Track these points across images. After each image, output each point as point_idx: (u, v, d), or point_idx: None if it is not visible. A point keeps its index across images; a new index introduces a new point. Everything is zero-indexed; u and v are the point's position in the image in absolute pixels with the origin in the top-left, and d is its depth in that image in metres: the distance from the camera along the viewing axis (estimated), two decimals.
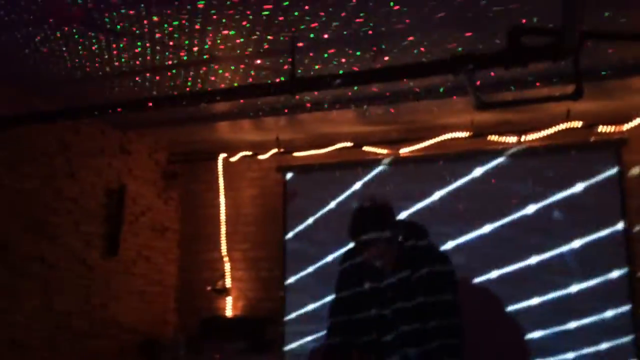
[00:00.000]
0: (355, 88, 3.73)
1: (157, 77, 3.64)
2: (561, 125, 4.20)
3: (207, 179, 5.24)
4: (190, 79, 3.66)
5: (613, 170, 4.18)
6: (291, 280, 4.82)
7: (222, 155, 5.17)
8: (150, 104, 3.30)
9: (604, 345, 3.95)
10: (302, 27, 2.95)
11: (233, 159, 5.12)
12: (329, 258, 4.55)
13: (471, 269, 4.26)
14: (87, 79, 3.67)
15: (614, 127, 4.18)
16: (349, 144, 4.75)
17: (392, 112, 4.25)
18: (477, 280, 4.26)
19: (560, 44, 2.86)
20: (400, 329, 2.39)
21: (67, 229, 4.19)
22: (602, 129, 4.20)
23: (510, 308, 4.17)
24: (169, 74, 3.59)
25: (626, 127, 4.16)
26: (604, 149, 4.24)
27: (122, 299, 4.58)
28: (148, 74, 3.60)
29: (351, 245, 2.58)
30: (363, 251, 2.46)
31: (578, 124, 4.17)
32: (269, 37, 3.08)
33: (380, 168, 4.68)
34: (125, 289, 4.62)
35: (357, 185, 4.71)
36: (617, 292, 4.01)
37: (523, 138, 4.35)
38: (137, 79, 3.67)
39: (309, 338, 4.56)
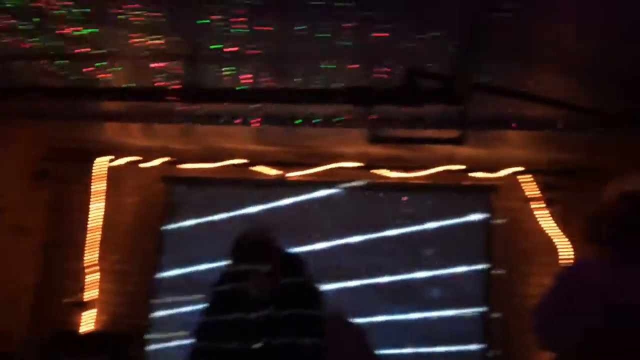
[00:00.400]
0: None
1: (43, 62, 3.34)
2: (443, 167, 4.47)
3: (85, 180, 4.85)
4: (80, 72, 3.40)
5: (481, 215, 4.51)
6: (161, 297, 4.59)
7: (104, 158, 4.84)
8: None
9: None
10: (205, 36, 2.88)
11: (116, 163, 4.82)
12: (203, 278, 4.40)
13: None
14: None
15: (487, 174, 4.53)
16: (241, 161, 4.68)
17: (288, 134, 4.26)
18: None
19: (453, 90, 3.08)
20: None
21: None
22: (477, 174, 4.53)
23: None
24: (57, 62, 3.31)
25: (498, 174, 4.51)
26: (476, 193, 4.55)
27: None
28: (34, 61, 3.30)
29: (227, 270, 2.53)
30: (240, 279, 2.41)
31: (459, 167, 4.46)
32: (170, 41, 2.96)
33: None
34: None
35: (245, 206, 4.63)
36: (471, 330, 4.27)
37: (409, 175, 4.57)
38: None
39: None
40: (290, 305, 2.40)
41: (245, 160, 4.67)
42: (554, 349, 2.22)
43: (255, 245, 2.44)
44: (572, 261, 4.22)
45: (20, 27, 2.86)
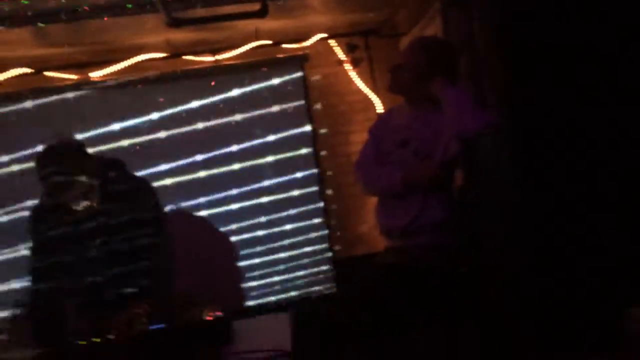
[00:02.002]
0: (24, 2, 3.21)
1: None
2: (251, 44, 4.38)
3: None
4: None
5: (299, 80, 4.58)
6: None
7: None
8: None
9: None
10: None
11: None
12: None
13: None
14: None
15: (297, 44, 4.55)
16: (27, 70, 4.14)
17: (76, 31, 3.82)
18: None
19: None
20: (112, 269, 2.30)
21: None
22: (287, 46, 4.53)
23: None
24: None
25: (306, 44, 4.56)
26: (289, 65, 4.58)
27: None
28: None
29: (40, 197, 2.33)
30: (60, 195, 2.23)
31: (266, 42, 4.41)
32: None
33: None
34: None
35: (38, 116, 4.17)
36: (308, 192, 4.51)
37: (217, 57, 4.42)
38: None
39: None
40: (123, 201, 2.31)
41: (30, 70, 4.14)
42: (377, 194, 2.45)
43: (65, 154, 2.24)
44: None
45: None
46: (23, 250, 3.69)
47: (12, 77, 4.12)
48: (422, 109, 2.34)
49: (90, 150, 2.49)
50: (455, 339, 2.15)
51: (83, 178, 2.22)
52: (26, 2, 3.18)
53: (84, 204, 2.27)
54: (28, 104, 4.22)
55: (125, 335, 1.90)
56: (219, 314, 1.98)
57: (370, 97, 4.64)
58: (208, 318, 1.96)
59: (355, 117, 4.71)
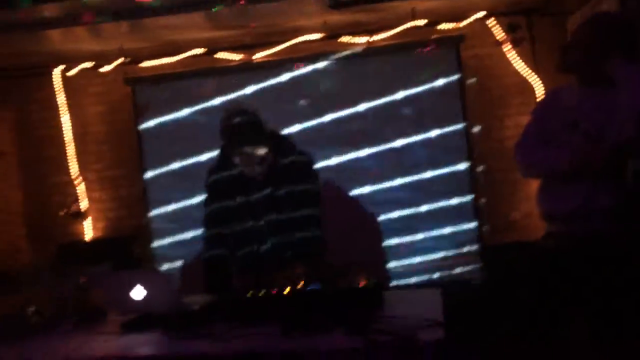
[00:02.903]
0: None
1: None
2: (406, 24, 4.37)
3: (42, 96, 4.73)
4: None
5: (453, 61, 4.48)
6: (154, 195, 4.65)
7: (57, 69, 4.67)
8: None
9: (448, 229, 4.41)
10: None
11: (71, 73, 4.66)
12: (190, 166, 4.48)
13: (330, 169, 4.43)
14: None
15: (453, 24, 4.45)
16: (200, 51, 4.54)
17: (243, 15, 4.09)
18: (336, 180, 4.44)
19: None
20: (276, 239, 2.46)
21: None
22: (443, 26, 4.45)
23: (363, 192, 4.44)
24: None
25: (463, 24, 4.44)
26: (444, 46, 4.49)
27: None
28: None
29: (217, 158, 2.55)
30: (236, 161, 2.42)
31: (421, 22, 4.37)
32: None
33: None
34: None
35: (214, 94, 4.55)
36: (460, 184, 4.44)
37: (372, 38, 4.47)
38: None
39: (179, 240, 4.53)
40: (289, 179, 2.45)
41: (203, 50, 4.52)
42: (539, 177, 2.34)
43: (246, 124, 2.43)
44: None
45: None
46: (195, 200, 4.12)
47: (186, 57, 4.54)
48: (595, 89, 2.18)
49: None
50: (619, 335, 2.01)
51: (261, 149, 2.39)
52: None
53: (257, 171, 2.44)
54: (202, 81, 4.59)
55: (286, 290, 2.02)
56: (371, 281, 2.04)
57: (529, 79, 4.40)
58: (360, 284, 2.02)
59: (512, 100, 4.51)
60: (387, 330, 1.64)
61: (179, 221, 4.51)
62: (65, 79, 4.70)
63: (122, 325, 2.02)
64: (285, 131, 4.23)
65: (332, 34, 4.44)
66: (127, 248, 4.49)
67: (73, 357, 1.76)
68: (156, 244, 4.64)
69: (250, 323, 1.87)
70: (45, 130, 4.77)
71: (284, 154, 2.48)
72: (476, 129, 4.50)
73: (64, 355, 1.79)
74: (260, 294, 2.02)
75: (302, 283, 2.07)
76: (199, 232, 2.67)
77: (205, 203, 2.58)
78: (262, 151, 2.39)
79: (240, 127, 2.38)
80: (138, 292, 2.00)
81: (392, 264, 4.44)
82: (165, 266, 4.57)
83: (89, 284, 2.28)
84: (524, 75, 4.41)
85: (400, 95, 4.48)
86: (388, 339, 1.59)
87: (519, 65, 4.42)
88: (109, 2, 3.58)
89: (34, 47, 4.33)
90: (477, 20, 4.42)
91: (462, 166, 4.46)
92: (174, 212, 4.59)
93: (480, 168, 4.48)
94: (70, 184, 4.73)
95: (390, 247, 4.44)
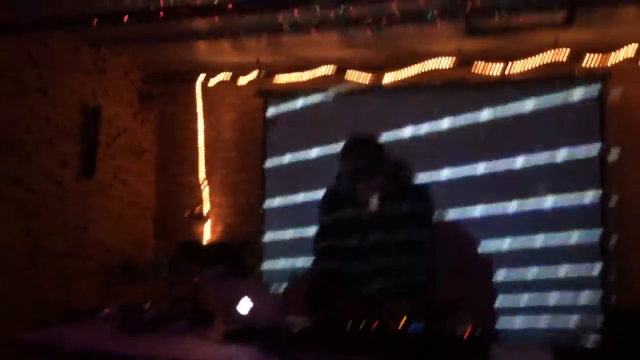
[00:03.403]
0: (341, 10, 3.57)
1: None
2: (547, 54, 4.13)
3: (185, 101, 5.11)
4: None
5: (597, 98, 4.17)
6: (270, 205, 4.82)
7: (200, 77, 5.02)
8: (126, 18, 3.12)
9: (566, 268, 4.09)
10: None
11: (212, 82, 4.98)
12: (308, 184, 4.55)
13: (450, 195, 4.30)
14: None
15: (599, 57, 4.13)
16: (331, 68, 4.63)
17: (377, 37, 4.10)
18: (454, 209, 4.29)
19: None
20: (378, 262, 2.43)
21: (41, 148, 4.05)
22: (587, 58, 4.15)
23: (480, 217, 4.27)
24: None
25: (612, 58, 4.11)
26: (587, 80, 4.19)
27: (100, 220, 4.55)
28: None
29: (335, 182, 2.57)
30: (352, 182, 2.43)
31: (565, 52, 4.11)
32: None
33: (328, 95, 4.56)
34: (102, 211, 4.59)
35: (339, 113, 4.61)
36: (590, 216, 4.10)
37: (509, 67, 4.29)
38: None
39: (287, 262, 4.63)
40: (402, 203, 2.41)
41: (334, 67, 4.61)
42: None
43: (365, 147, 2.44)
44: None
45: None
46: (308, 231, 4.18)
47: (317, 75, 4.66)
48: None
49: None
50: None
51: (379, 175, 2.38)
52: (340, 11, 3.52)
53: (372, 198, 2.42)
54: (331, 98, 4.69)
55: (388, 326, 1.98)
56: (478, 331, 1.93)
57: None
58: (466, 333, 1.92)
59: None
60: None
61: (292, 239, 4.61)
62: (206, 87, 5.03)
63: (225, 335, 2.09)
64: (408, 157, 4.23)
65: (465, 60, 4.33)
66: (240, 255, 4.68)
67: None
68: (266, 264, 4.77)
69: (347, 355, 1.85)
70: (183, 133, 5.15)
71: (401, 180, 2.44)
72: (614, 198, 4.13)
73: (172, 356, 1.89)
74: (360, 327, 1.99)
75: (404, 321, 2.02)
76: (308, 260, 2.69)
77: (317, 230, 2.60)
78: (378, 181, 2.37)
79: (359, 157, 2.38)
80: (244, 304, 2.06)
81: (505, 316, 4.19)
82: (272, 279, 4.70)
83: (203, 285, 2.39)
84: None
85: (534, 128, 4.24)
86: None
87: None
88: (254, 19, 3.76)
89: (184, 56, 4.70)
90: (627, 54, 4.07)
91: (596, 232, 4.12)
92: (288, 228, 4.69)
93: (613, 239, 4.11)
94: (197, 187, 5.05)
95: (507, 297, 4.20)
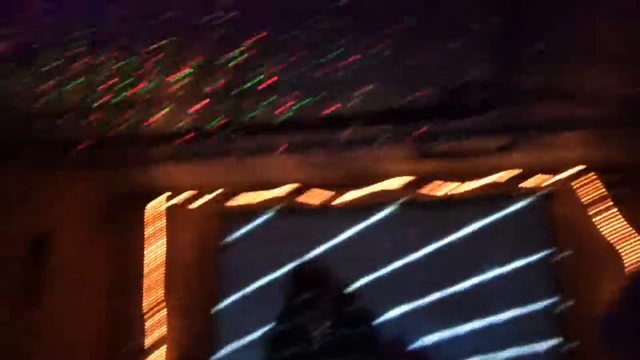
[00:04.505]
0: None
1: (90, 117, 3.48)
2: (495, 175, 4.35)
3: (140, 224, 5.00)
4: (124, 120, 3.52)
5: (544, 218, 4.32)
6: (226, 333, 4.66)
7: (157, 200, 4.98)
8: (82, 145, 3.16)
9: None
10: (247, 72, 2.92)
11: (171, 203, 4.97)
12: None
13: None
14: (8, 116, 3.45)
15: (544, 177, 4.36)
16: (293, 186, 4.73)
17: (335, 159, 4.25)
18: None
19: (494, 99, 3.01)
20: None
21: None
22: (534, 179, 4.37)
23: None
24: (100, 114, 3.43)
25: (554, 179, 4.34)
26: (534, 200, 4.38)
27: (47, 353, 4.16)
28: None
29: (279, 320, 2.54)
30: (300, 313, 2.41)
31: (514, 172, 4.32)
32: (210, 80, 3.03)
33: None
34: (49, 342, 4.20)
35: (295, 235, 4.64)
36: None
37: (455, 187, 4.47)
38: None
39: None
40: (350, 329, 2.39)
41: (295, 186, 4.71)
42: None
43: (312, 277, 2.43)
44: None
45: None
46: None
47: (278, 196, 4.74)
48: None
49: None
50: None
51: (328, 303, 2.36)
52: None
53: (322, 327, 2.38)
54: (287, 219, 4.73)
55: None
56: None
57: (626, 243, 4.11)
58: None
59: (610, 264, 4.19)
60: None
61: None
62: (166, 208, 4.98)
63: None
64: (358, 281, 4.23)
65: (417, 181, 4.49)
66: None
67: None
68: None
69: None
70: (137, 257, 4.93)
71: (347, 307, 2.43)
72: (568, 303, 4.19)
73: None
74: None
75: None
76: None
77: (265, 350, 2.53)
78: (326, 308, 2.36)
79: (303, 287, 2.38)
80: None
81: None
82: None
83: None
84: (621, 237, 4.14)
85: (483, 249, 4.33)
86: None
87: (618, 225, 4.18)
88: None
89: (143, 179, 4.68)
90: (573, 174, 4.31)
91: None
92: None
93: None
94: (141, 317, 4.78)
95: None
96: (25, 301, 4.03)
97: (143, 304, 4.80)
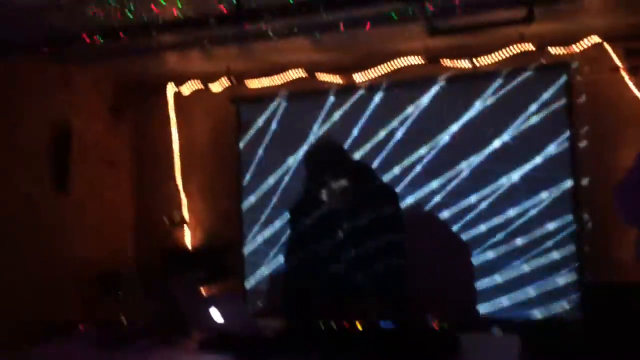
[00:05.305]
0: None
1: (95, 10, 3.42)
2: (513, 48, 4.21)
3: (158, 111, 5.13)
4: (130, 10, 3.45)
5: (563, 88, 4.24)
6: (248, 210, 4.85)
7: (171, 87, 5.04)
8: (95, 38, 3.14)
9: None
10: None
11: (183, 91, 5.00)
12: (285, 186, 4.63)
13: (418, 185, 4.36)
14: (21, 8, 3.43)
15: (564, 48, 4.22)
16: (301, 73, 4.67)
17: (345, 39, 4.15)
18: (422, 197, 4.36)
19: None
20: (350, 262, 2.48)
21: (10, 167, 4.05)
22: (553, 50, 4.23)
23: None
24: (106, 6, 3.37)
25: (575, 48, 4.20)
26: (553, 71, 4.27)
27: (77, 235, 4.55)
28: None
29: (301, 196, 2.61)
30: (319, 195, 2.47)
31: (530, 46, 4.19)
32: None
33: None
34: (79, 225, 4.58)
35: (315, 116, 4.66)
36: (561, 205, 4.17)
37: (476, 62, 4.36)
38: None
39: (268, 263, 4.69)
40: (371, 208, 2.46)
41: (304, 73, 4.66)
42: (635, 225, 2.18)
43: (328, 159, 2.48)
44: None
45: None
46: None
47: (289, 79, 4.70)
48: None
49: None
50: None
51: (343, 181, 2.42)
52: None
53: (339, 204, 2.47)
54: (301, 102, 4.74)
55: (358, 326, 2.03)
56: (446, 324, 1.98)
57: None
58: (435, 326, 1.98)
59: (627, 130, 4.18)
60: None
61: (271, 240, 4.68)
62: (178, 96, 5.05)
63: (200, 344, 2.13)
64: (376, 160, 4.32)
65: (435, 57, 4.39)
66: (221, 259, 4.71)
67: None
68: (248, 259, 4.81)
69: (320, 355, 1.90)
70: (157, 142, 5.17)
71: (366, 187, 2.49)
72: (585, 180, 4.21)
73: None
74: (333, 327, 2.05)
75: (374, 318, 2.07)
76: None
77: (290, 238, 2.65)
78: (343, 185, 2.42)
79: (322, 163, 2.42)
80: (215, 314, 2.09)
81: (479, 297, 4.27)
82: (253, 281, 4.75)
83: (179, 294, 2.42)
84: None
85: (502, 121, 4.32)
86: None
87: (637, 93, 4.10)
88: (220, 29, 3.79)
89: (153, 68, 4.71)
90: (591, 45, 4.16)
91: (567, 202, 4.19)
92: (266, 229, 4.75)
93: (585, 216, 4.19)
94: (175, 194, 5.07)
95: (483, 279, 4.28)
96: (57, 183, 4.31)
97: (175, 184, 5.05)
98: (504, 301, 4.21)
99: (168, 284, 2.47)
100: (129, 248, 5.15)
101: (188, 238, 5.04)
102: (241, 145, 4.89)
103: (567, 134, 4.21)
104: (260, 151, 4.81)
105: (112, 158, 5.02)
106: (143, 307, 2.48)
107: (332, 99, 4.66)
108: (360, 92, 4.60)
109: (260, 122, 4.83)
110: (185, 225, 5.01)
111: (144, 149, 5.22)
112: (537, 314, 4.14)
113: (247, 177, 4.87)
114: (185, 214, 5.05)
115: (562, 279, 4.14)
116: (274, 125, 4.78)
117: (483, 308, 4.23)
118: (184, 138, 5.11)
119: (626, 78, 4.11)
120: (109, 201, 4.95)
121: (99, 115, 4.91)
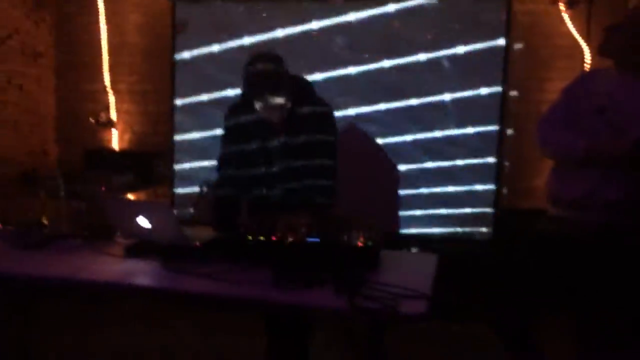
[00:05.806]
0: None
1: None
2: None
3: (85, 1, 4.74)
4: None
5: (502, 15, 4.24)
6: (180, 116, 4.70)
7: None
8: None
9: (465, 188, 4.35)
10: None
11: None
12: (218, 95, 4.48)
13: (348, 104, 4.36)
14: None
15: None
16: None
17: None
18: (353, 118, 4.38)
19: None
20: (286, 186, 2.49)
21: None
22: None
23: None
24: None
25: None
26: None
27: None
28: None
29: (238, 100, 2.54)
30: (256, 106, 2.41)
31: None
32: None
33: None
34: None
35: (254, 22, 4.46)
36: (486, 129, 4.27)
37: None
38: None
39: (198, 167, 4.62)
40: (304, 131, 2.45)
41: None
42: (554, 158, 2.30)
43: (269, 69, 2.39)
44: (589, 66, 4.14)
45: None
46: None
47: None
48: (631, 79, 2.09)
49: None
50: (615, 321, 2.02)
51: (281, 96, 2.36)
52: None
53: (275, 117, 2.43)
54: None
55: (285, 239, 2.08)
56: (370, 242, 2.06)
57: (580, 44, 4.19)
58: (359, 244, 2.05)
59: (558, 63, 4.32)
60: (372, 296, 1.69)
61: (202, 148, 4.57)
62: None
63: (125, 249, 2.11)
64: (312, 77, 4.20)
65: None
66: (150, 163, 4.59)
67: (77, 277, 1.87)
68: (178, 166, 4.71)
69: (246, 267, 1.94)
70: (84, 35, 4.82)
71: (304, 102, 2.46)
72: (513, 92, 4.33)
73: (68, 273, 1.89)
74: (260, 239, 2.08)
75: (302, 233, 2.12)
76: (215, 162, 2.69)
77: (222, 141, 2.61)
78: (281, 99, 2.37)
79: (261, 75, 2.35)
80: (142, 222, 2.07)
81: (403, 214, 4.44)
82: (180, 189, 4.69)
83: (104, 198, 2.36)
84: (575, 39, 4.20)
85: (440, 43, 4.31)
86: (369, 307, 1.63)
87: (571, 27, 4.19)
88: None
89: None
90: None
91: (492, 127, 4.32)
92: (198, 136, 4.64)
93: (509, 131, 4.36)
94: (102, 93, 4.82)
95: (404, 197, 4.43)
96: None
97: (103, 82, 4.78)
98: (425, 221, 4.40)
99: (93, 187, 2.41)
100: (51, 147, 4.92)
101: (115, 140, 4.86)
102: (175, 45, 4.63)
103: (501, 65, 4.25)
104: (196, 52, 4.58)
105: (33, 49, 4.66)
106: (65, 210, 2.41)
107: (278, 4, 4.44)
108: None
109: (196, 21, 4.57)
110: (112, 127, 4.81)
111: (70, 42, 4.87)
112: (456, 234, 4.37)
113: (181, 79, 4.65)
114: (113, 115, 4.84)
115: (481, 205, 4.36)
116: (210, 26, 4.54)
117: (405, 227, 4.42)
118: (114, 34, 4.78)
119: (562, 11, 4.18)
120: (29, 96, 4.64)
121: (20, 3, 4.49)
